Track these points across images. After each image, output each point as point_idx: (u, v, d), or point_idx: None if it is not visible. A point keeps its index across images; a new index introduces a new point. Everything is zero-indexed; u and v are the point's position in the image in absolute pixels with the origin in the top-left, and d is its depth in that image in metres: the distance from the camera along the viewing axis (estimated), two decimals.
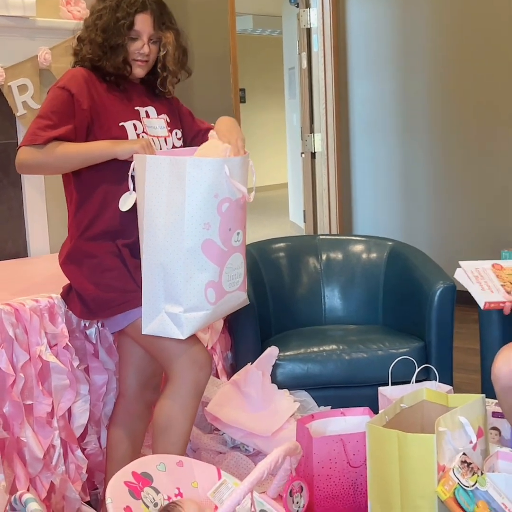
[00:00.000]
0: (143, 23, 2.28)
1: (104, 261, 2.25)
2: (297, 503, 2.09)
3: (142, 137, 2.29)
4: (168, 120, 2.40)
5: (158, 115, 2.38)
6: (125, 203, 2.23)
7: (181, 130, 2.45)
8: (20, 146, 2.20)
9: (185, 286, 2.13)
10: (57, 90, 2.23)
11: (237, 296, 2.31)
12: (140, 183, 2.18)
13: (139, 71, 2.33)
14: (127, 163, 2.21)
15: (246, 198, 2.20)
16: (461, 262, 2.54)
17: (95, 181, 2.26)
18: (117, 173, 2.24)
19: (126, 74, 2.31)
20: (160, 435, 2.28)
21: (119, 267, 2.26)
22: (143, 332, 2.20)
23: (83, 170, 2.24)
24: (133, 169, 2.19)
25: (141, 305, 2.21)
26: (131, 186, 2.21)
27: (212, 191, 2.11)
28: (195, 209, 2.10)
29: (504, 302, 2.37)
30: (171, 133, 2.39)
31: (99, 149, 2.21)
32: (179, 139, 2.43)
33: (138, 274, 2.23)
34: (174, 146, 2.38)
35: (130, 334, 2.31)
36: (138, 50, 2.29)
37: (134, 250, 2.25)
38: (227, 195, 2.14)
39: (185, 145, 2.44)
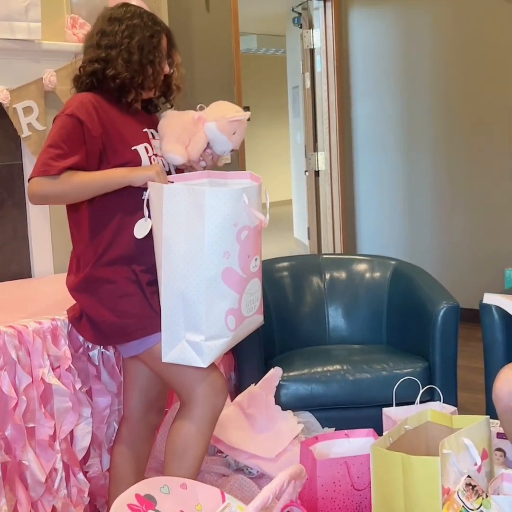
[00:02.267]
0: (164, 43, 2.34)
1: (121, 286, 2.24)
2: None
3: (154, 159, 2.30)
4: None
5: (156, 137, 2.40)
6: (140, 230, 2.22)
7: None
8: (32, 177, 2.17)
9: (206, 315, 2.13)
10: (65, 117, 2.20)
11: (255, 319, 2.32)
12: (156, 211, 2.18)
13: (154, 92, 2.36)
14: (141, 189, 2.22)
15: (264, 224, 2.21)
16: (486, 294, 2.71)
17: (110, 208, 2.25)
18: (132, 199, 2.24)
19: (153, 93, 2.34)
20: (175, 459, 2.27)
21: (136, 293, 2.24)
22: (164, 360, 2.19)
23: (97, 198, 2.23)
24: (148, 196, 2.20)
25: (158, 331, 2.20)
26: (146, 213, 2.21)
27: (231, 220, 2.10)
28: (215, 238, 2.09)
29: None
30: None
31: (114, 177, 2.20)
32: None
33: (155, 299, 2.23)
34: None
35: (145, 360, 2.30)
36: None
37: (151, 276, 2.24)
38: (246, 223, 2.14)
39: None
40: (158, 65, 2.30)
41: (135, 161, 2.25)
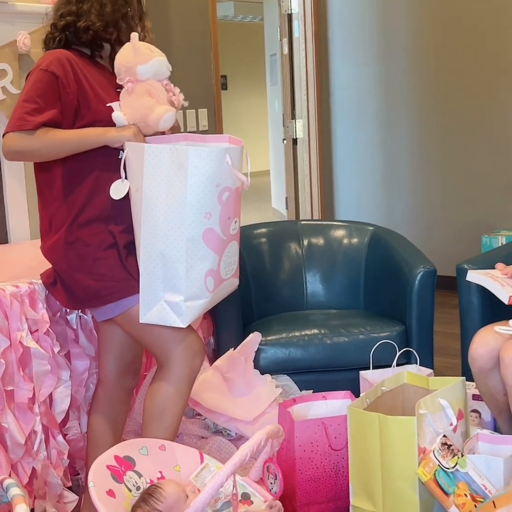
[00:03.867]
0: (135, 3, 2.33)
1: (97, 249, 2.22)
2: (271, 484, 2.10)
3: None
4: None
5: None
6: (117, 191, 2.20)
7: None
8: (7, 132, 2.14)
9: (186, 275, 2.13)
10: (40, 72, 2.17)
11: (231, 282, 2.33)
12: (135, 171, 2.16)
13: None
14: (118, 149, 2.20)
15: (245, 186, 2.21)
16: (469, 271, 2.67)
17: (85, 167, 2.22)
18: (109, 158, 2.22)
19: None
20: (153, 419, 2.28)
21: (112, 255, 2.23)
22: (141, 321, 2.19)
23: (72, 157, 2.20)
24: (125, 157, 2.18)
25: (134, 293, 2.20)
26: (123, 174, 2.19)
27: (213, 181, 2.10)
28: (197, 198, 2.09)
29: None
30: None
31: (90, 136, 2.18)
32: None
33: (130, 261, 2.22)
34: None
35: (120, 323, 2.29)
36: None
37: (129, 237, 2.23)
38: (228, 184, 2.14)
39: None
40: (131, 19, 2.29)
41: (110, 118, 2.22)
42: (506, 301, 2.46)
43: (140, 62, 2.23)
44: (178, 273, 2.13)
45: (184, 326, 2.18)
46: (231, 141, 2.32)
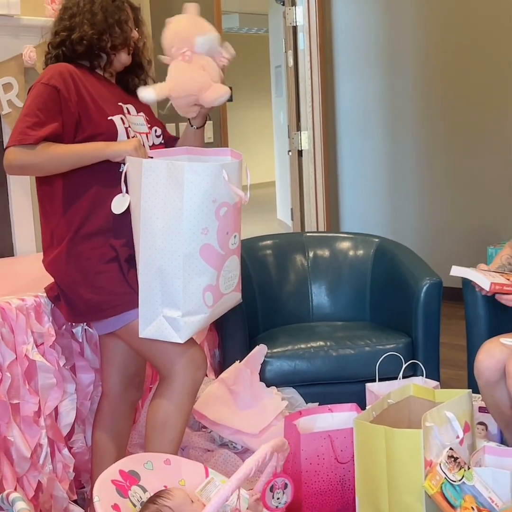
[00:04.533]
0: (128, 9, 2.34)
1: (98, 262, 2.22)
2: (278, 499, 2.08)
3: (130, 132, 2.28)
4: (147, 118, 2.41)
5: (137, 112, 2.38)
6: (118, 206, 2.20)
7: (160, 128, 2.45)
8: (8, 146, 2.15)
9: (184, 290, 2.13)
10: (41, 86, 2.18)
11: (233, 296, 2.32)
12: (135, 187, 2.16)
13: (127, 58, 2.35)
14: (119, 163, 2.21)
15: (243, 201, 2.20)
16: (453, 266, 2.60)
17: (86, 180, 2.23)
18: (110, 172, 2.22)
19: (126, 54, 2.33)
20: (156, 434, 2.28)
21: (113, 269, 2.23)
22: (140, 336, 2.19)
23: (73, 171, 2.21)
24: (126, 171, 2.18)
25: (135, 307, 2.19)
26: (124, 188, 2.19)
27: (210, 196, 2.10)
28: (193, 214, 2.09)
29: (509, 285, 2.42)
30: (150, 130, 2.39)
31: (92, 151, 2.19)
32: (158, 136, 2.42)
33: (132, 275, 2.22)
34: (153, 144, 2.38)
35: (122, 336, 2.29)
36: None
37: (129, 251, 2.23)
38: (225, 200, 2.14)
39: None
40: (125, 24, 2.30)
41: (111, 131, 2.23)
42: (487, 287, 2.45)
43: (200, 33, 2.21)
44: (176, 289, 2.13)
45: (182, 341, 2.17)
46: (233, 154, 2.32)
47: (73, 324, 2.51)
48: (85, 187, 2.23)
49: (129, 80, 2.43)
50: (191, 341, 2.23)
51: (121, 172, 2.20)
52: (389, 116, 5.54)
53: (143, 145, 2.23)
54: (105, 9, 2.28)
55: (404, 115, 5.46)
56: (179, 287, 2.12)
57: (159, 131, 2.43)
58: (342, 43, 5.68)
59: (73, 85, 2.19)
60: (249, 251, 3.40)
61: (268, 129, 9.62)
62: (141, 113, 2.39)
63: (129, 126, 2.29)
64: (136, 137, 2.29)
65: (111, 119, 2.24)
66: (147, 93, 2.26)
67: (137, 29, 2.37)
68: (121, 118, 2.27)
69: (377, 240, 3.49)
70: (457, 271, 2.58)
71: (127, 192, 2.19)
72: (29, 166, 2.17)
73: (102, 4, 2.28)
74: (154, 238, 2.13)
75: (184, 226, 2.09)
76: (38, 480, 2.34)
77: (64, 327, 2.49)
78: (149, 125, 2.39)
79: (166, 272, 2.13)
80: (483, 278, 2.48)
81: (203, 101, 2.28)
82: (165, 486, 2.12)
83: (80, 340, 2.55)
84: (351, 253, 3.49)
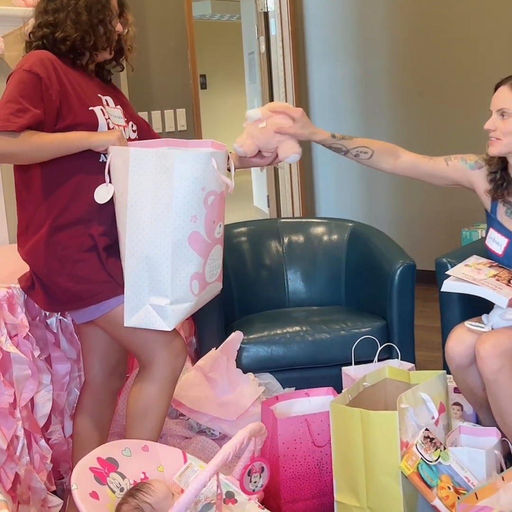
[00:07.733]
0: (114, 2, 2.30)
1: (76, 251, 2.21)
2: (255, 482, 2.10)
3: (111, 124, 2.27)
4: (124, 111, 2.40)
5: (115, 105, 2.37)
6: (102, 196, 2.19)
7: (136, 124, 2.45)
8: None
9: (172, 278, 2.13)
10: (23, 73, 2.15)
11: (216, 286, 2.33)
12: (120, 175, 2.15)
13: (110, 54, 2.33)
14: (99, 153, 2.20)
15: (230, 189, 2.21)
16: (445, 281, 2.47)
17: (66, 170, 2.21)
18: (90, 161, 2.21)
19: (108, 53, 2.31)
20: (137, 421, 2.28)
21: (91, 257, 2.22)
22: (126, 324, 2.19)
23: (54, 159, 2.19)
24: (110, 161, 2.17)
25: (114, 295, 2.19)
26: (107, 178, 2.18)
27: (199, 184, 2.10)
28: (183, 201, 2.09)
29: None
30: (127, 123, 2.38)
31: (75, 140, 2.17)
32: (134, 131, 2.41)
33: (110, 264, 2.21)
34: (130, 138, 2.37)
35: (101, 325, 2.28)
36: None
37: (108, 240, 2.22)
38: (213, 188, 2.14)
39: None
40: (109, 23, 2.27)
41: (92, 122, 2.22)
42: (504, 306, 2.33)
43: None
44: (164, 277, 2.13)
45: (169, 329, 2.18)
46: (214, 145, 2.33)
47: (47, 314, 2.50)
48: (65, 176, 2.21)
49: (105, 72, 2.42)
50: (173, 330, 2.24)
51: (101, 162, 2.20)
52: (362, 100, 5.55)
53: (124, 137, 2.23)
54: (90, 8, 2.23)
55: (377, 99, 5.46)
56: (167, 274, 2.13)
57: (135, 127, 2.42)
58: (314, 28, 5.66)
59: (54, 74, 2.17)
60: (225, 238, 3.39)
61: (243, 115, 9.59)
62: (118, 106, 2.38)
63: (109, 118, 2.28)
64: (117, 128, 2.28)
65: (91, 110, 2.23)
66: (254, 112, 2.56)
67: (121, 19, 2.34)
68: (102, 109, 2.26)
69: (351, 224, 3.50)
70: (451, 286, 2.43)
71: (110, 181, 2.18)
72: (10, 154, 2.13)
73: (86, 2, 2.23)
74: (142, 226, 2.13)
75: (173, 213, 2.09)
76: (15, 472, 2.32)
77: (38, 318, 2.48)
78: (125, 119, 2.38)
79: (154, 260, 2.13)
80: (496, 295, 2.32)
81: (279, 155, 2.55)
82: (143, 473, 2.13)
83: (55, 331, 2.53)
84: (325, 238, 3.50)
